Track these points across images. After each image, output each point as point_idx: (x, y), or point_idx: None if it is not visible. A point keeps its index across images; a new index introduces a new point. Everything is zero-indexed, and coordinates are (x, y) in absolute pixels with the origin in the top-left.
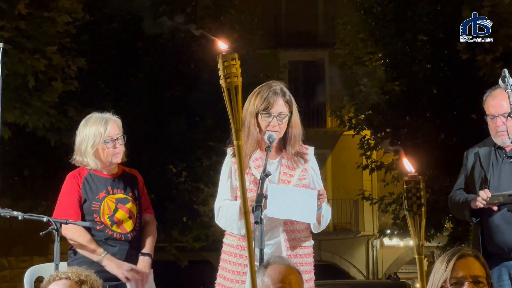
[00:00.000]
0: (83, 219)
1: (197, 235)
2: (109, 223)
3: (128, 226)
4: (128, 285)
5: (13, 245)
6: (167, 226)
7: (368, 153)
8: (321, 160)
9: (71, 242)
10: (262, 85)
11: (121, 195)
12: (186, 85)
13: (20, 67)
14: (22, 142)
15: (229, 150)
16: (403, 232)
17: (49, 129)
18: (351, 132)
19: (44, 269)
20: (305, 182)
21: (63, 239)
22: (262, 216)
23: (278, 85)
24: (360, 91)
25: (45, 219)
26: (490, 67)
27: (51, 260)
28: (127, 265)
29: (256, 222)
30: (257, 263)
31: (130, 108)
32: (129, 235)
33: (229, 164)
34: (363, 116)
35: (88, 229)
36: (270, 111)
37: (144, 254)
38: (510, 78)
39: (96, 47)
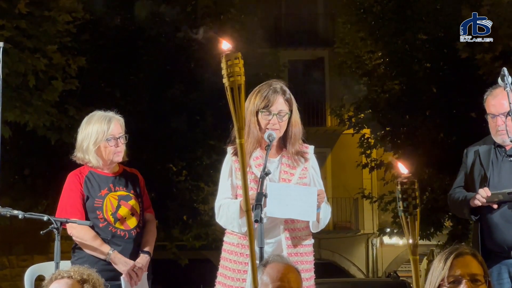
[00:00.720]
0: (86, 217)
1: (197, 234)
2: (112, 220)
3: (132, 223)
4: (122, 281)
5: (14, 244)
6: (168, 224)
7: (368, 151)
8: (321, 159)
9: (77, 240)
10: (262, 84)
11: (123, 192)
12: (187, 84)
13: (20, 66)
14: (23, 141)
15: (230, 149)
16: (402, 230)
17: (49, 128)
18: (351, 130)
19: (45, 268)
20: (305, 181)
21: (63, 238)
22: (262, 215)
23: (278, 84)
24: (360, 90)
25: (45, 218)
26: (490, 66)
27: (52, 259)
28: (133, 264)
29: (256, 221)
30: (257, 262)
31: (131, 107)
32: (133, 232)
33: (229, 162)
34: (362, 115)
35: (91, 227)
36: (270, 109)
37: (144, 252)
38: (509, 76)
39: (97, 46)
